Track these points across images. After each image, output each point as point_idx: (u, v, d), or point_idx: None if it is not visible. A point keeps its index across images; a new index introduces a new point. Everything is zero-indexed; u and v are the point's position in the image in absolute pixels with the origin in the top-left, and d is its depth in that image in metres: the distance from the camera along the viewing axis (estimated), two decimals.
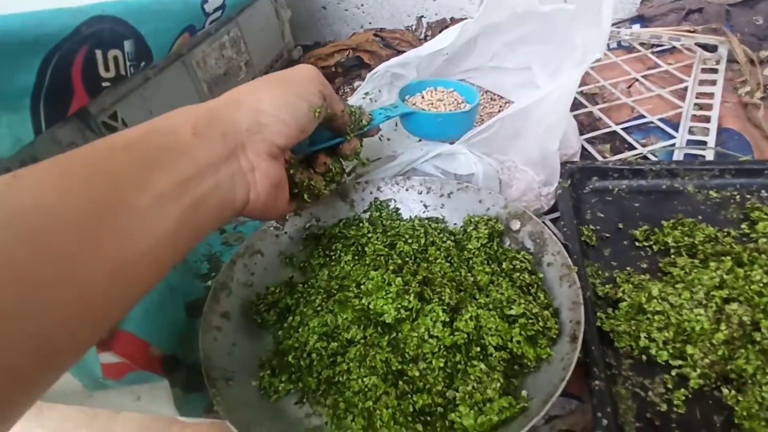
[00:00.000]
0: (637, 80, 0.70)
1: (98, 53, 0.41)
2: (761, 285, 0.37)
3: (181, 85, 0.59)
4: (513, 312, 0.37)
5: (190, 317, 0.45)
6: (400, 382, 0.34)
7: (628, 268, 0.43)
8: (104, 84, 0.43)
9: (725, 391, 0.34)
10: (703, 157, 0.56)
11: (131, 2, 0.43)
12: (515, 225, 0.45)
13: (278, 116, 0.33)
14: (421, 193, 0.51)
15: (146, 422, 0.38)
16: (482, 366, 0.34)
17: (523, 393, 0.33)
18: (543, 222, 0.52)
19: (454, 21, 0.90)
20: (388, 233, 0.45)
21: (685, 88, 0.66)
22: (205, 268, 0.52)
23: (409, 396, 0.33)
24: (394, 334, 0.37)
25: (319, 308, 0.40)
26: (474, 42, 0.63)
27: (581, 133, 0.62)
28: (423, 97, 0.52)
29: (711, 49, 0.74)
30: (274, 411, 0.36)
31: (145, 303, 0.40)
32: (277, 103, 0.33)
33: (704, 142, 0.57)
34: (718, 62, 0.70)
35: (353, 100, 0.56)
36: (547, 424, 0.36)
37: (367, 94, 0.56)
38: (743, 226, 0.45)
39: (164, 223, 0.25)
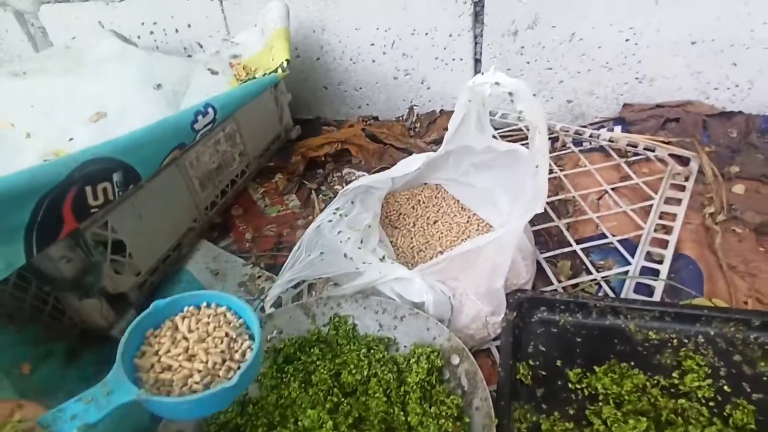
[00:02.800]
0: (606, 192, 0.73)
1: (88, 189, 0.47)
2: None
3: (172, 186, 0.65)
4: None
5: (152, 422, 0.49)
6: None
7: (555, 413, 0.46)
8: (92, 210, 0.49)
9: None
10: (654, 288, 0.58)
11: (120, 140, 0.49)
12: (455, 360, 0.49)
13: None
14: (377, 313, 0.54)
15: None
16: None
17: None
18: (490, 348, 0.55)
19: (443, 112, 0.95)
20: (336, 361, 0.49)
21: (651, 206, 0.69)
22: None
23: None
24: None
25: None
26: (448, 155, 0.67)
27: (547, 247, 0.66)
28: (175, 332, 0.35)
29: (685, 161, 0.76)
30: None
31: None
32: None
33: (658, 272, 0.60)
34: (687, 178, 0.73)
35: (323, 216, 0.60)
36: None
37: (338, 209, 0.60)
38: (674, 374, 0.48)
39: None
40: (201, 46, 1.03)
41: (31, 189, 0.42)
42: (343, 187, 0.63)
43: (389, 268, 0.55)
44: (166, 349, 0.33)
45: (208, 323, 0.35)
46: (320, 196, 0.80)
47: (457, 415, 0.44)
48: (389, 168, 0.66)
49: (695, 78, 0.82)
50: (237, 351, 0.34)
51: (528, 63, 0.89)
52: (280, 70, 0.78)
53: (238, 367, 0.33)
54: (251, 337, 0.36)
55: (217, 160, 0.73)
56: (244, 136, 0.78)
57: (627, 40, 0.82)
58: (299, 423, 0.43)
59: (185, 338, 0.34)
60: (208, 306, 0.37)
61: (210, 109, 0.61)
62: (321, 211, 0.71)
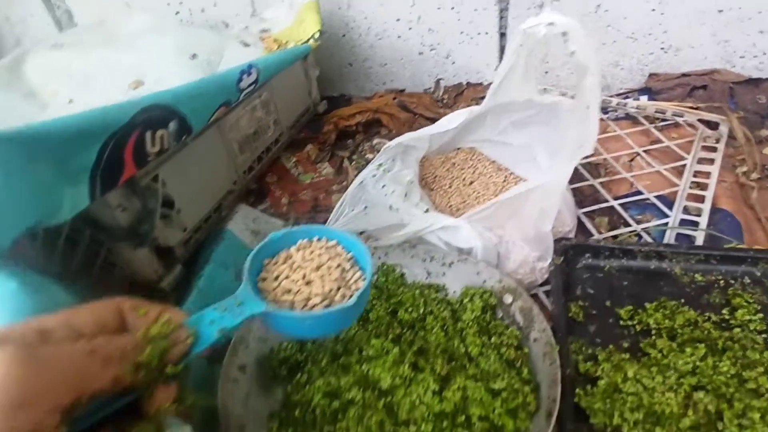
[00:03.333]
0: (638, 154, 0.74)
1: (148, 134, 0.48)
2: (728, 377, 0.40)
3: (214, 146, 0.66)
4: (497, 386, 0.41)
5: (209, 364, 0.50)
6: None
7: (610, 346, 0.47)
8: (149, 158, 0.50)
9: None
10: (694, 238, 0.59)
11: (177, 90, 0.50)
12: (508, 299, 0.50)
13: None
14: (425, 261, 0.55)
15: None
16: None
17: None
18: (537, 294, 0.56)
19: (470, 85, 0.96)
20: (391, 300, 0.50)
21: (684, 166, 0.70)
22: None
23: None
24: (389, 398, 0.41)
25: (324, 369, 0.44)
26: (485, 116, 0.68)
27: (582, 205, 0.66)
28: (291, 262, 0.36)
29: (713, 125, 0.78)
30: None
31: None
32: None
33: (696, 223, 0.61)
34: (718, 140, 0.74)
35: (367, 172, 0.61)
36: None
37: (381, 165, 0.61)
38: (724, 311, 0.49)
39: None
40: (227, 25, 1.05)
41: (100, 129, 0.43)
42: (374, 156, 0.64)
43: (436, 217, 0.56)
44: (285, 275, 0.34)
45: (320, 254, 0.36)
46: (353, 163, 0.82)
47: (517, 345, 0.45)
48: None
49: (721, 47, 0.84)
50: (350, 280, 0.35)
51: None
52: (312, 41, 0.80)
53: (352, 295, 0.34)
54: (361, 269, 0.37)
55: (253, 126, 0.74)
56: (277, 105, 0.80)
57: (653, 10, 0.83)
58: (363, 353, 0.44)
59: (301, 266, 0.35)
60: (320, 239, 0.37)
61: (253, 70, 0.62)
62: (355, 177, 0.72)
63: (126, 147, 0.46)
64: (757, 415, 0.37)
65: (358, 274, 0.36)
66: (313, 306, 0.33)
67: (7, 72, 0.75)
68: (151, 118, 0.48)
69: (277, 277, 0.35)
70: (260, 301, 0.32)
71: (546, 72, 0.92)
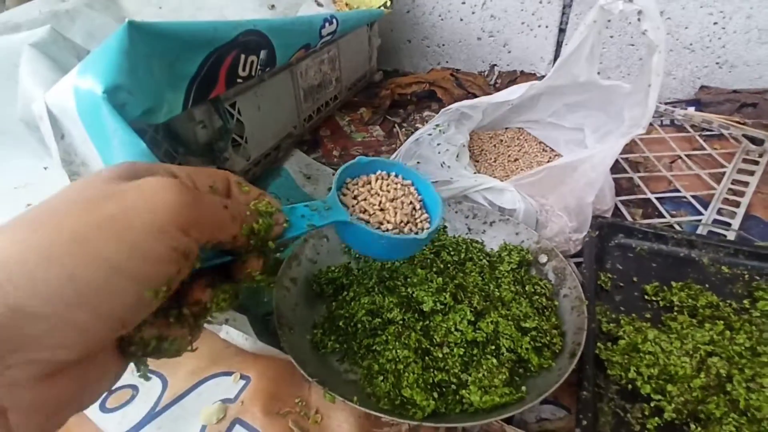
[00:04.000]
0: (680, 157, 0.77)
1: (242, 57, 0.53)
2: (743, 348, 0.43)
3: (284, 88, 0.71)
4: (527, 325, 0.44)
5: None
6: (426, 358, 0.42)
7: (633, 315, 0.50)
8: (238, 81, 0.55)
9: (692, 426, 0.40)
10: (725, 236, 0.62)
11: (272, 21, 0.55)
12: (543, 259, 0.53)
13: (62, 318, 0.18)
14: (467, 217, 0.59)
15: (219, 349, 0.48)
16: (494, 360, 0.42)
17: (523, 388, 0.41)
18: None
19: (523, 74, 0.99)
20: (435, 243, 0.54)
21: (723, 173, 0.72)
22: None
23: (432, 371, 0.41)
24: (428, 322, 0.45)
25: (370, 289, 0.49)
26: (538, 98, 0.72)
27: (618, 195, 0.69)
28: (369, 188, 0.38)
29: (758, 142, 0.80)
30: (322, 360, 0.45)
31: None
32: (63, 291, 0.18)
33: (729, 224, 0.63)
34: (761, 155, 0.76)
35: (423, 130, 0.65)
36: (538, 423, 0.44)
37: (437, 126, 0.65)
38: (745, 301, 0.51)
39: None
40: None
41: (207, 40, 0.48)
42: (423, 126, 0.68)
43: (484, 178, 0.59)
44: (363, 197, 0.37)
45: (396, 188, 0.38)
46: (403, 129, 0.86)
47: (548, 296, 0.48)
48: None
49: None
50: (417, 219, 0.38)
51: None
52: (384, 8, 0.84)
53: (418, 232, 0.37)
54: (428, 214, 0.40)
55: (318, 78, 0.79)
56: (342, 64, 0.84)
57: (715, 23, 0.85)
58: (408, 279, 0.48)
59: (378, 194, 0.38)
60: (397, 176, 0.40)
61: (334, 20, 0.66)
62: (403, 142, 0.76)
63: (223, 64, 0.51)
64: (766, 380, 0.40)
65: (425, 216, 0.39)
66: (385, 231, 0.36)
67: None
68: (249, 42, 0.53)
69: (356, 197, 0.37)
70: (345, 211, 0.35)
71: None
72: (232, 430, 0.40)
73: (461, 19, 1.01)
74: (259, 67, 0.56)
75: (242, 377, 0.45)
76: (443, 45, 1.05)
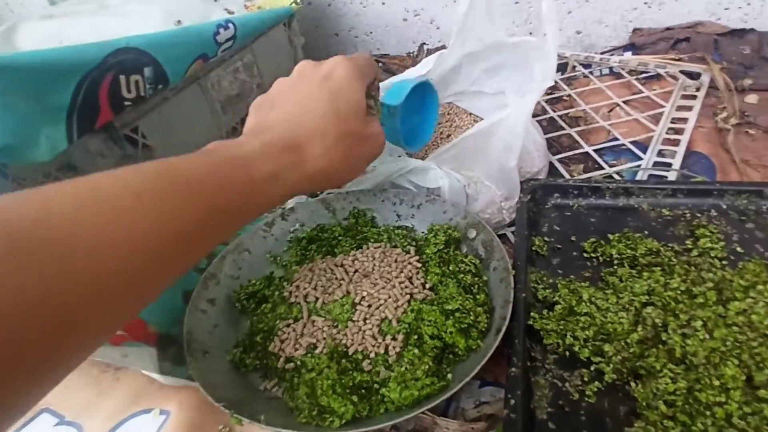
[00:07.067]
0: (618, 105, 0.74)
1: (122, 78, 0.50)
2: (678, 292, 0.41)
3: (196, 104, 0.68)
4: (450, 307, 0.42)
5: (185, 304, 0.52)
6: (344, 361, 0.39)
7: (571, 276, 0.47)
8: (126, 103, 0.52)
9: (633, 385, 0.38)
10: (666, 177, 0.59)
11: (151, 35, 0.52)
12: (471, 234, 0.51)
13: (332, 179, 0.40)
14: (394, 204, 0.56)
15: (141, 386, 0.45)
16: (415, 351, 0.39)
17: (449, 376, 0.38)
18: (505, 234, 0.57)
19: None
20: (357, 237, 0.52)
21: (662, 114, 0.70)
22: (203, 263, 0.59)
23: (350, 373, 0.39)
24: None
25: (287, 298, 0.46)
26: (459, 69, 0.69)
27: (559, 153, 0.67)
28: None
29: (695, 76, 0.77)
30: (242, 382, 0.42)
31: None
32: (337, 169, 0.39)
33: (670, 164, 0.61)
34: (698, 89, 0.73)
35: None
36: (476, 408, 0.41)
37: None
38: (688, 242, 0.49)
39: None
40: None
41: (74, 66, 0.45)
42: None
43: (405, 161, 0.57)
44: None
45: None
46: None
47: (475, 272, 0.46)
48: None
49: None
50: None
51: None
52: (293, 4, 0.81)
53: None
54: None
55: (236, 88, 0.76)
56: (261, 69, 0.81)
57: None
58: None
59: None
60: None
61: (230, 25, 0.64)
62: None
63: (101, 88, 0.48)
64: (699, 323, 0.37)
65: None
66: None
67: (0, 41, 0.78)
68: (125, 61, 0.50)
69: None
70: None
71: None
72: None
73: (383, 3, 0.98)
74: (148, 86, 0.53)
75: (162, 412, 0.42)
76: (371, 32, 1.03)
